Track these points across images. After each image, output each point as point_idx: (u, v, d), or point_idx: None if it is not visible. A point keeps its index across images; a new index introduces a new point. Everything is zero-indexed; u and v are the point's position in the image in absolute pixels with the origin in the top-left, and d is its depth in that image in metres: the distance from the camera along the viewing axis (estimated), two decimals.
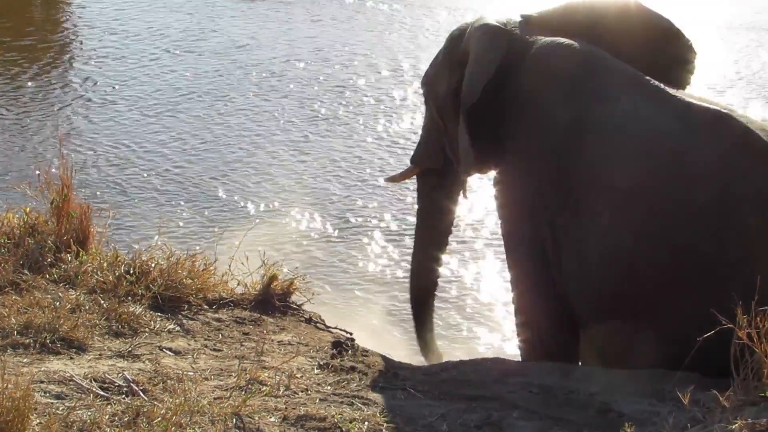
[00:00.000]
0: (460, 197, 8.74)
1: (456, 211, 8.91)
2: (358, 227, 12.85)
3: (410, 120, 16.34)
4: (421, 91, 8.84)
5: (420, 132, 8.92)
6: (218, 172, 14.56)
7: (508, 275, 7.98)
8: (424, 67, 9.02)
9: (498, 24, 7.85)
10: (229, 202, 13.55)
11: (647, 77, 7.25)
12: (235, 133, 16.07)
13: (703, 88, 8.28)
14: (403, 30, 21.60)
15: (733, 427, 4.93)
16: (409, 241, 11.77)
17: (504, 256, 8.13)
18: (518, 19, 7.94)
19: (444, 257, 9.26)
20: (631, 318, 6.87)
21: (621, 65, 7.39)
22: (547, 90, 7.52)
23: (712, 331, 5.50)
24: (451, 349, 9.28)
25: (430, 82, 8.52)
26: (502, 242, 8.09)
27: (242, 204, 13.47)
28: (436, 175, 8.60)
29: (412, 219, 12.12)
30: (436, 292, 9.10)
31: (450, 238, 9.02)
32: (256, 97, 17.63)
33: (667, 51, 7.83)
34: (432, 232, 8.81)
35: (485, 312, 10.68)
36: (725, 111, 6.85)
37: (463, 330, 10.43)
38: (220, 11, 22.64)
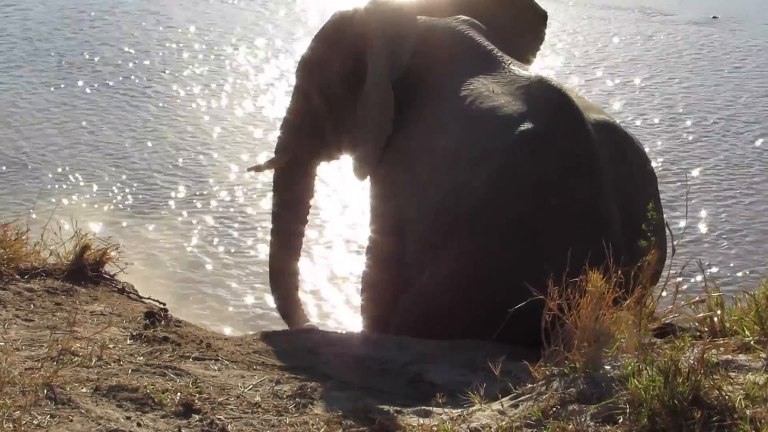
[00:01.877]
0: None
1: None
2: (164, 199, 12.60)
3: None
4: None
5: (285, 119, 8.71)
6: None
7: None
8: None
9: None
10: (33, 170, 13.14)
11: (494, 52, 7.56)
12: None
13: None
14: None
15: (543, 397, 4.88)
16: (214, 211, 11.68)
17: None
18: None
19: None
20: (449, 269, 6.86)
21: (477, 43, 7.66)
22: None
23: (524, 302, 5.48)
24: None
25: (312, 66, 8.35)
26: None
27: (45, 173, 13.11)
28: (299, 164, 8.47)
29: (211, 188, 12.05)
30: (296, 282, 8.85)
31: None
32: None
33: (519, 20, 8.31)
34: (293, 225, 8.65)
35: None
36: (542, 79, 7.03)
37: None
38: None
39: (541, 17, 8.58)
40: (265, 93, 16.75)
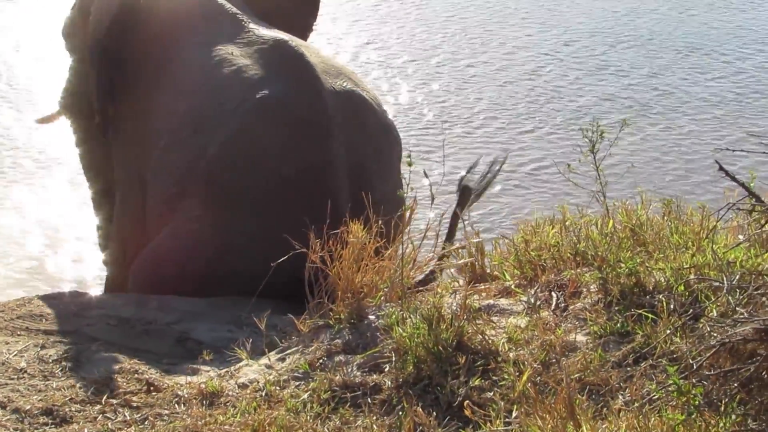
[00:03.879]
0: None
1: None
2: None
3: None
4: None
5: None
6: None
7: None
8: None
9: None
10: None
11: (232, 11, 7.45)
12: None
13: None
14: None
15: (310, 350, 4.81)
16: None
17: None
18: None
19: None
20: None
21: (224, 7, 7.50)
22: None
23: (286, 256, 5.38)
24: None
25: (68, 32, 8.24)
26: None
27: None
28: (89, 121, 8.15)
29: None
30: None
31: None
32: None
33: None
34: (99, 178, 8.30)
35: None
36: (281, 42, 6.98)
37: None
38: None
39: None
40: None
